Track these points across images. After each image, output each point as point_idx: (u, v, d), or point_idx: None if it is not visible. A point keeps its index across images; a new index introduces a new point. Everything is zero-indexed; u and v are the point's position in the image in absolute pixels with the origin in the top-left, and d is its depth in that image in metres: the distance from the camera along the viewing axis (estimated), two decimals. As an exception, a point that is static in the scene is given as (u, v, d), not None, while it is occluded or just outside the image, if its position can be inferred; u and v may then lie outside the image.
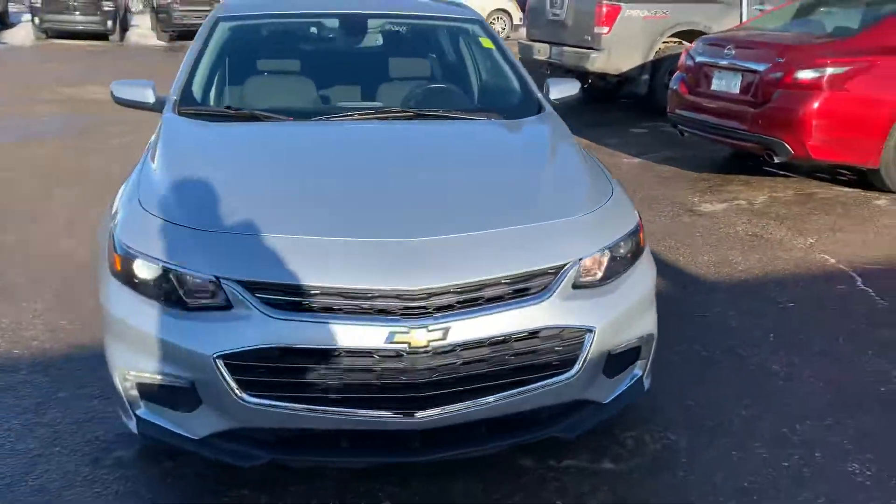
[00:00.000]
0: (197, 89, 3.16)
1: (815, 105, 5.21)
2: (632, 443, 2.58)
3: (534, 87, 3.37)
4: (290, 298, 2.02)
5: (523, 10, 12.46)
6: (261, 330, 2.00)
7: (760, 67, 5.49)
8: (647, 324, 2.39)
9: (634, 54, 8.36)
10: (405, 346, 1.98)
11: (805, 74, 5.23)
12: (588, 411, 2.30)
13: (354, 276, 2.02)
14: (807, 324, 3.53)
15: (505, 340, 2.07)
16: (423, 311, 2.00)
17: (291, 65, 3.48)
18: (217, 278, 2.05)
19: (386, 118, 2.99)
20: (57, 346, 3.27)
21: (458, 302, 2.04)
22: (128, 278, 2.19)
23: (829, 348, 3.28)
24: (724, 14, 8.62)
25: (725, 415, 2.76)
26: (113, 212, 2.49)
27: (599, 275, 2.25)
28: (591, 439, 2.52)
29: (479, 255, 2.11)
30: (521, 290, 2.11)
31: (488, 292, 2.07)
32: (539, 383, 2.14)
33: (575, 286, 2.18)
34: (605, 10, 8.22)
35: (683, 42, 8.59)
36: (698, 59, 6.08)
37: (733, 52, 5.75)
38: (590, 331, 2.17)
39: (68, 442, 2.59)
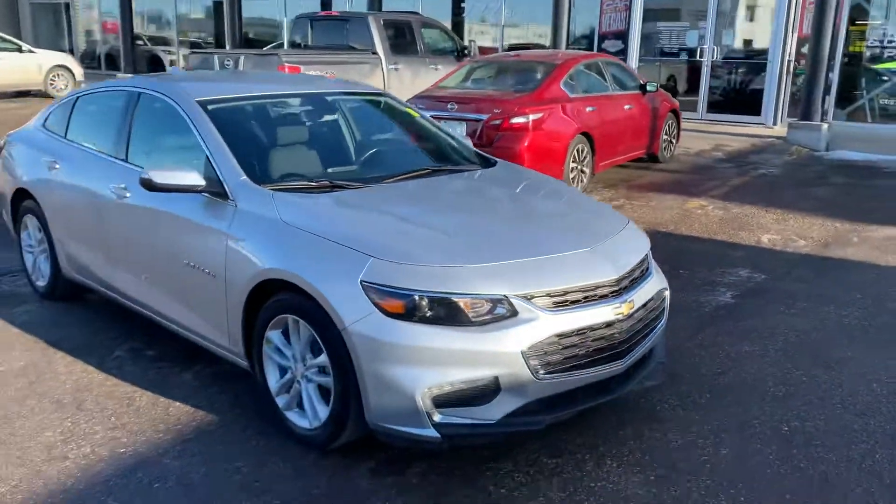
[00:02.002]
0: (256, 167, 3.49)
1: (527, 142, 7.15)
2: (666, 406, 3.87)
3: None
4: (555, 299, 2.89)
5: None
6: (544, 325, 2.83)
7: (482, 117, 7.24)
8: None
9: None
10: (621, 315, 3.03)
11: (517, 120, 7.14)
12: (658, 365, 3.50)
13: (583, 276, 2.99)
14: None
15: (648, 302, 3.25)
16: (623, 290, 3.07)
17: (302, 138, 3.93)
18: (505, 296, 2.81)
19: (420, 176, 3.79)
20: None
21: (630, 281, 3.15)
22: (411, 314, 2.76)
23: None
24: (371, 72, 10.30)
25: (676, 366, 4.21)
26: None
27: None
28: (639, 409, 3.66)
29: (624, 251, 3.25)
30: (644, 269, 3.31)
31: (636, 273, 3.23)
32: (657, 327, 3.36)
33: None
34: (287, 69, 9.15)
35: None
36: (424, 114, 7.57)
37: (455, 106, 7.40)
38: (666, 289, 3.47)
39: None
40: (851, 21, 11.83)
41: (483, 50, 13.66)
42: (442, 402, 2.79)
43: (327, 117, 4.29)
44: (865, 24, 12.20)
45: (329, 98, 4.35)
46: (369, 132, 4.38)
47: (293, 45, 11.48)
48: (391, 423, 2.84)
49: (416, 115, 4.55)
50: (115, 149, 4.13)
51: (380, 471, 2.99)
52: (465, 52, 11.98)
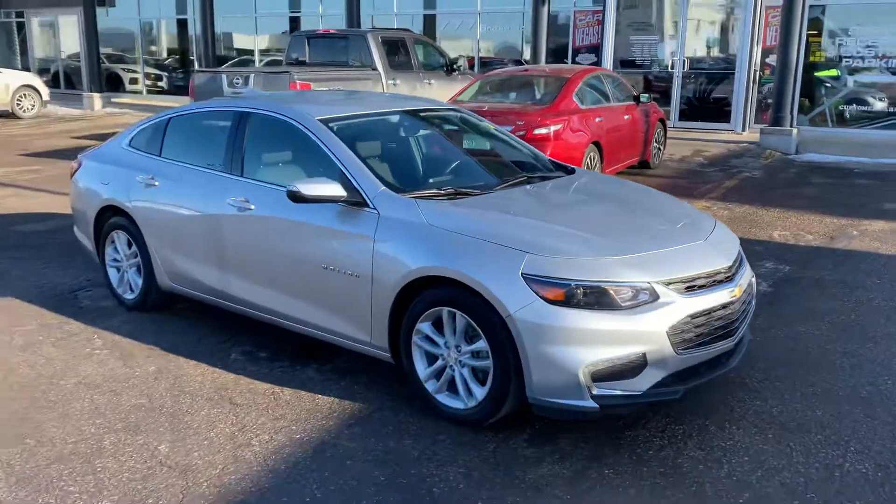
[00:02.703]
0: (388, 178, 3.85)
1: (548, 152, 7.61)
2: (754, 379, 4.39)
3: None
4: (686, 285, 3.34)
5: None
6: (681, 307, 3.27)
7: (506, 129, 7.67)
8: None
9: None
10: (735, 297, 3.50)
11: (540, 131, 7.62)
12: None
13: (705, 264, 3.45)
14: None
15: (746, 287, 3.73)
16: (733, 276, 3.55)
17: (411, 150, 4.30)
18: (649, 283, 3.25)
19: (522, 183, 4.21)
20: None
21: (736, 269, 3.63)
22: (569, 301, 3.17)
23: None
24: (373, 87, 10.66)
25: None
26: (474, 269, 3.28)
27: None
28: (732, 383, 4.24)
29: (726, 242, 3.73)
30: (741, 259, 3.79)
31: (738, 261, 3.71)
32: (750, 310, 3.84)
33: None
34: (299, 86, 9.45)
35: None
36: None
37: (479, 118, 7.83)
38: (754, 277, 3.96)
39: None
40: (811, 33, 12.76)
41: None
42: (599, 376, 3.20)
43: (423, 131, 4.68)
44: (820, 37, 13.17)
45: (422, 114, 4.74)
46: (461, 144, 4.77)
47: (290, 62, 11.74)
48: (553, 397, 3.23)
49: (492, 127, 4.97)
50: (227, 165, 4.41)
51: (535, 440, 3.38)
52: (455, 66, 12.44)
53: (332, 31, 11.85)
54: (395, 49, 11.43)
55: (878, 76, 12.91)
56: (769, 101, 13.54)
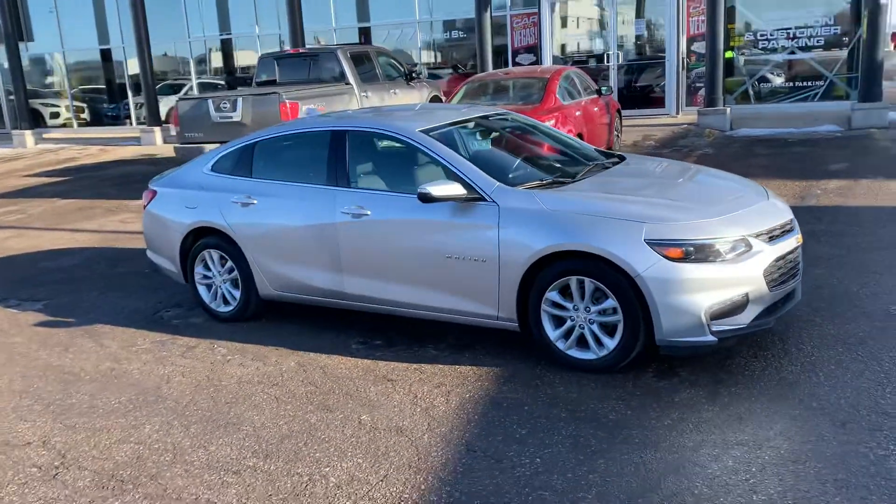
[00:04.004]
0: (496, 174, 4.49)
1: (545, 145, 8.40)
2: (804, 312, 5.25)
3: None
4: (767, 235, 4.14)
5: None
6: (768, 253, 4.07)
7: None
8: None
9: (318, 139, 10.23)
10: (799, 242, 4.34)
11: (537, 127, 8.37)
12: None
13: (776, 218, 4.27)
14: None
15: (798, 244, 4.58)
16: (794, 227, 4.39)
17: (497, 149, 4.96)
18: (744, 236, 4.03)
19: (595, 171, 4.94)
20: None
21: (793, 221, 4.47)
22: (687, 257, 3.91)
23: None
24: (349, 101, 11.19)
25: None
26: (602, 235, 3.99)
27: None
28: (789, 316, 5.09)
29: (781, 201, 4.57)
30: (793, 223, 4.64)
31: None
32: (800, 266, 4.69)
33: None
34: (289, 106, 9.88)
35: (330, 126, 10.83)
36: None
37: (479, 121, 8.53)
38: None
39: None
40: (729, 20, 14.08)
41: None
42: (715, 315, 3.95)
43: (495, 133, 5.34)
44: (734, 24, 14.55)
45: (489, 119, 5.41)
46: (527, 141, 5.47)
47: (260, 82, 12.09)
48: (679, 337, 3.97)
49: (542, 125, 5.68)
50: (331, 179, 4.94)
51: (661, 376, 4.11)
52: (414, 74, 13.08)
53: (301, 51, 12.28)
54: (361, 62, 11.97)
55: (788, 55, 14.35)
56: (697, 85, 14.85)
